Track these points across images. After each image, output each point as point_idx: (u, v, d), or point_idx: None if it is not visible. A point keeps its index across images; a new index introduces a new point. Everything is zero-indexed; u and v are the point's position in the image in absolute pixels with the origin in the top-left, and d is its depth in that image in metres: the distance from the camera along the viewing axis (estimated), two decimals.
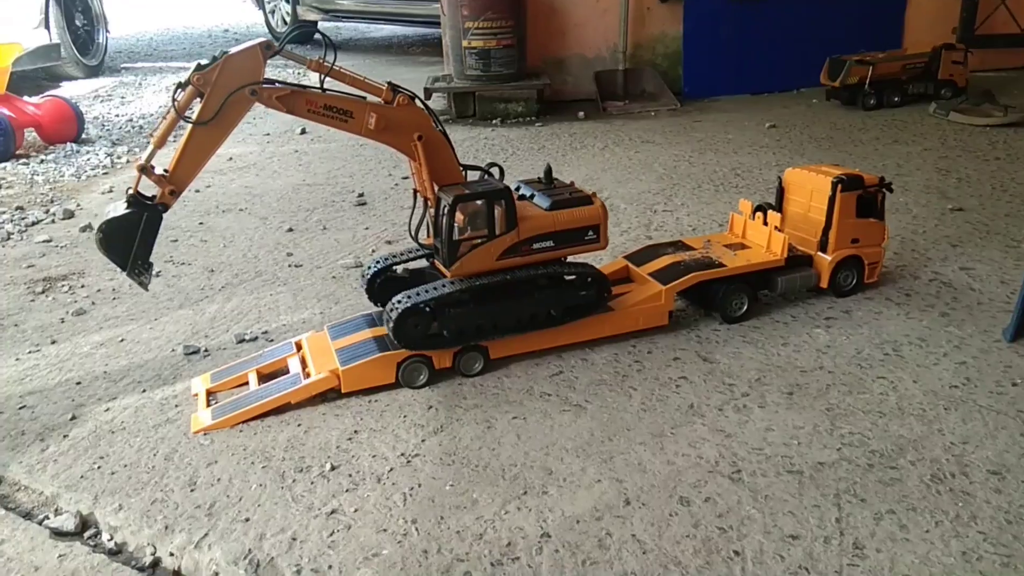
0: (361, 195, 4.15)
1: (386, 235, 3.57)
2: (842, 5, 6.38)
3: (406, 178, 4.46)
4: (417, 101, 2.23)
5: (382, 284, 2.51)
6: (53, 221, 3.94)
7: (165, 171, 2.10)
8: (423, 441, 2.06)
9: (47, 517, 1.84)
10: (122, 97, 7.31)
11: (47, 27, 7.47)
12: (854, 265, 2.76)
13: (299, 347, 2.44)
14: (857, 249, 2.74)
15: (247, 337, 2.66)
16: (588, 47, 6.37)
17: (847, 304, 2.74)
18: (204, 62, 2.04)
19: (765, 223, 2.73)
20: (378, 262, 2.53)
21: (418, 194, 2.36)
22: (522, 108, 5.88)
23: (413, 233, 2.40)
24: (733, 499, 1.80)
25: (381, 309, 2.45)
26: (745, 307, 2.63)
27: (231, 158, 5.03)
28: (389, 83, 2.21)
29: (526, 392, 2.28)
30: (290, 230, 3.69)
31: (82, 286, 3.14)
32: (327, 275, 3.16)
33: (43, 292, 3.09)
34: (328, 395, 2.27)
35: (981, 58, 6.28)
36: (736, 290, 2.62)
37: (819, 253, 2.74)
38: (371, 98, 2.20)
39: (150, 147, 2.09)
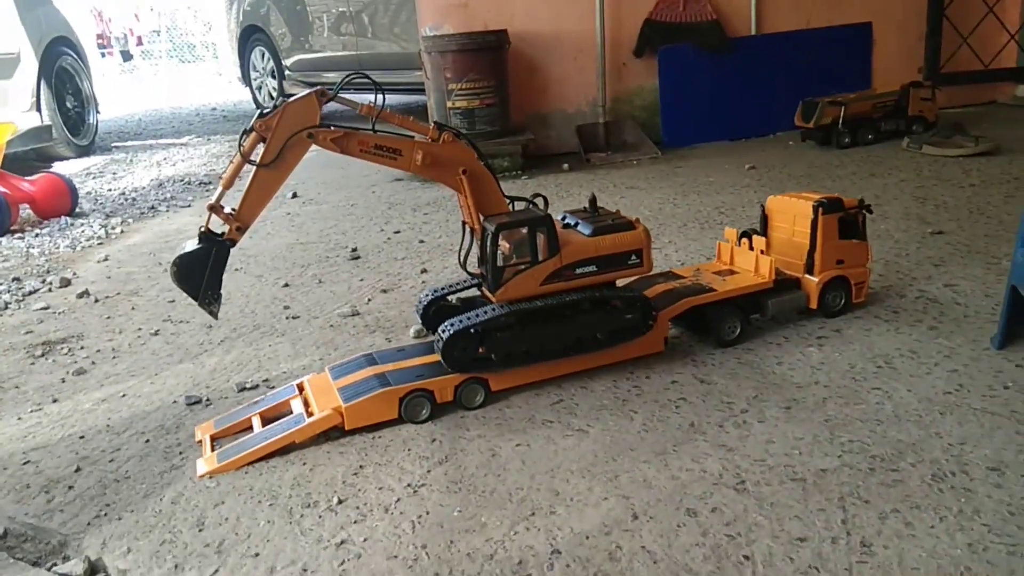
0: (354, 250, 4.21)
1: (381, 284, 3.63)
2: (811, 51, 6.64)
3: (398, 232, 4.55)
4: (462, 138, 2.35)
5: (436, 312, 2.65)
6: (50, 290, 3.98)
7: (232, 210, 2.23)
8: (428, 472, 2.07)
9: (55, 564, 1.84)
10: (113, 173, 7.44)
11: (38, 109, 7.64)
12: (841, 286, 2.82)
13: (301, 389, 2.46)
14: (843, 270, 2.81)
15: (248, 385, 2.68)
16: (568, 102, 6.56)
17: (837, 323, 2.79)
18: (266, 110, 2.20)
19: (751, 248, 2.80)
20: (431, 292, 2.67)
21: (466, 225, 2.48)
22: (508, 163, 6.02)
23: (462, 262, 2.51)
24: (739, 507, 1.82)
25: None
26: (738, 330, 2.68)
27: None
28: (435, 122, 2.35)
29: (528, 420, 2.30)
30: (286, 285, 3.74)
31: (81, 348, 3.16)
32: (324, 324, 3.20)
33: (43, 355, 3.11)
34: (332, 433, 2.28)
35: (948, 95, 6.51)
36: (728, 314, 2.67)
37: (806, 275, 2.81)
38: (418, 137, 2.31)
39: (219, 188, 2.22)
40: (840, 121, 5.80)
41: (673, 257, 3.68)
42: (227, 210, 2.23)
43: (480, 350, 2.37)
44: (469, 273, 2.56)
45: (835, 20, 6.67)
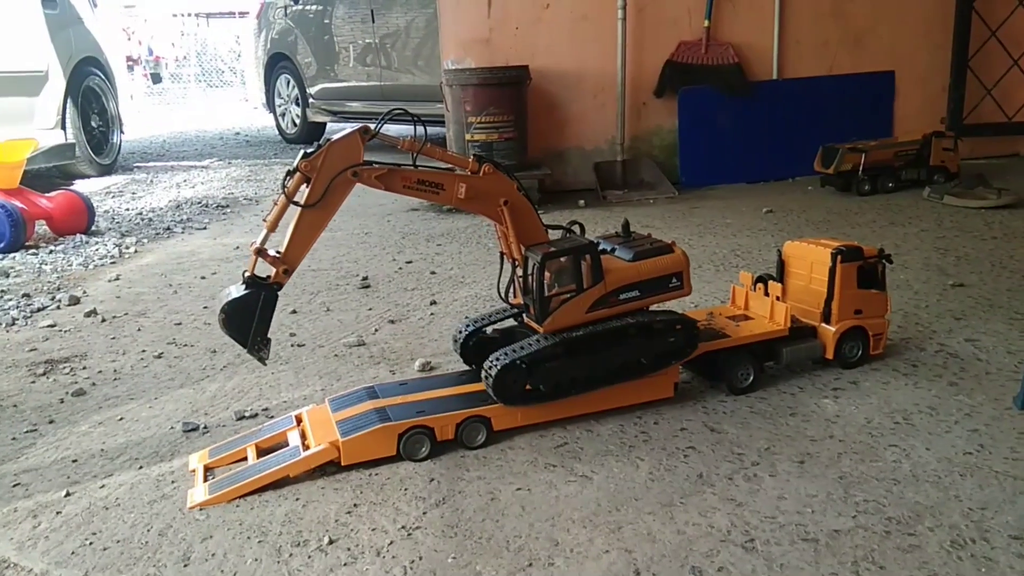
0: (365, 279, 4.18)
1: (389, 315, 3.58)
2: (832, 97, 6.62)
3: (410, 262, 4.52)
4: (501, 169, 2.32)
5: (475, 345, 2.59)
6: (58, 307, 3.96)
7: (278, 252, 2.18)
8: (424, 513, 2.00)
9: None
10: (133, 193, 7.48)
11: (63, 127, 7.73)
12: (859, 336, 2.75)
13: (299, 420, 2.40)
14: (861, 320, 2.74)
15: (247, 414, 2.63)
16: (587, 140, 6.56)
17: (854, 375, 2.71)
18: (310, 150, 2.16)
19: (766, 294, 2.74)
20: (470, 324, 2.61)
21: (505, 256, 2.44)
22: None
23: (503, 294, 2.47)
24: (747, 567, 1.73)
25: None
26: (752, 378, 2.61)
27: (237, 247, 5.11)
28: (475, 155, 2.33)
29: (531, 463, 2.23)
30: (294, 312, 3.70)
31: (84, 368, 3.13)
32: (329, 353, 3.15)
33: (44, 374, 3.08)
34: (328, 468, 2.22)
35: (970, 146, 6.45)
36: (742, 361, 2.60)
37: (823, 324, 2.73)
38: (459, 170, 2.29)
39: (263, 231, 2.18)
40: (860, 168, 5.74)
41: (686, 300, 3.60)
42: (272, 253, 2.18)
43: (528, 382, 2.32)
44: (510, 304, 2.52)
45: (858, 68, 6.65)
